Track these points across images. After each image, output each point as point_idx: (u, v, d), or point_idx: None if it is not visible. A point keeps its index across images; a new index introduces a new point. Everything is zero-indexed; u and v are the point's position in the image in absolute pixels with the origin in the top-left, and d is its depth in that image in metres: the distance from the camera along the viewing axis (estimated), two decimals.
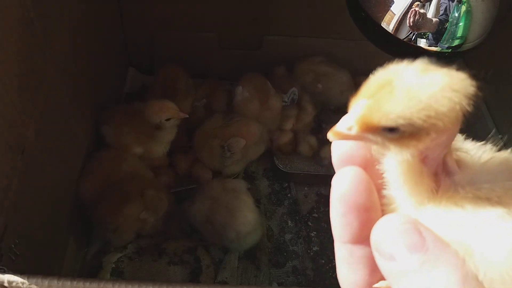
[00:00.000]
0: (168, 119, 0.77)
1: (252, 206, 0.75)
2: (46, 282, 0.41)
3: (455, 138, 0.24)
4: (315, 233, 0.84)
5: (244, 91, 0.85)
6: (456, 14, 0.53)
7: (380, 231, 0.20)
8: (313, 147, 0.90)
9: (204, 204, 0.74)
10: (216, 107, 0.90)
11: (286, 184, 0.90)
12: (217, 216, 0.73)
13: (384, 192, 0.22)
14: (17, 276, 0.41)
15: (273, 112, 0.86)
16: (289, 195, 0.89)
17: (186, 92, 0.89)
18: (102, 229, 0.72)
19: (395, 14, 0.54)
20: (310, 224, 0.85)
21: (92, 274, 0.73)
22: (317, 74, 0.95)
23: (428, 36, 0.55)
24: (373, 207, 0.22)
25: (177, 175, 0.85)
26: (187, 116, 0.79)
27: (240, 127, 0.82)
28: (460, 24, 0.54)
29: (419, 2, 0.54)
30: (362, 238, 0.21)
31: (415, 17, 0.53)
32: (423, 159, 0.22)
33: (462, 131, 0.86)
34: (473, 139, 0.86)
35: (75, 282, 0.41)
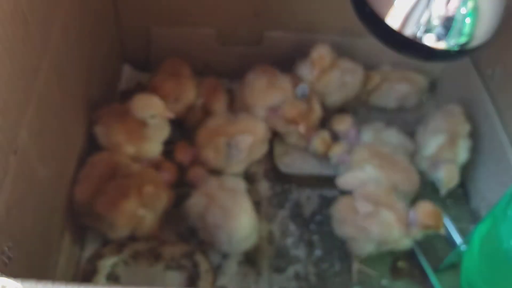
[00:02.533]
0: (153, 116, 0.76)
1: (249, 210, 0.73)
2: (40, 286, 0.40)
3: None
4: (317, 236, 0.83)
5: (253, 76, 0.86)
6: (463, 11, 0.52)
7: None
8: (326, 142, 0.88)
9: (199, 201, 0.73)
10: (216, 108, 0.89)
11: (288, 186, 0.89)
12: (211, 216, 0.72)
13: None
14: (11, 280, 0.40)
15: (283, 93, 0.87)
16: (290, 197, 0.88)
17: (190, 80, 0.89)
18: (97, 223, 0.71)
19: (400, 10, 0.53)
20: (312, 227, 0.84)
21: (87, 278, 0.72)
22: (343, 69, 0.94)
23: (434, 33, 0.54)
24: None
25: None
26: (172, 117, 0.78)
27: (247, 124, 0.82)
28: (467, 21, 0.53)
29: None
30: None
31: None
32: None
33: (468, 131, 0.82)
34: (479, 139, 0.85)
35: (69, 287, 0.41)
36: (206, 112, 0.88)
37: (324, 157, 0.90)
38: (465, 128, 0.87)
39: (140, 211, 0.71)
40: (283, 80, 0.88)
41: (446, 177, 0.85)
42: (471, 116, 0.89)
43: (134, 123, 0.77)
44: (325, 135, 0.89)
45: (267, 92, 0.86)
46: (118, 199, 0.69)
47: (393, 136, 0.89)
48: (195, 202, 0.74)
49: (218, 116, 0.83)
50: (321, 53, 0.91)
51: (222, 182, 0.75)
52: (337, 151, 0.87)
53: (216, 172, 0.82)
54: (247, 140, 0.79)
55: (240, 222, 0.71)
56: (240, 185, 0.77)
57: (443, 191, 0.86)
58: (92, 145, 0.79)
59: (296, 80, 0.91)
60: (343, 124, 0.89)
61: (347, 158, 0.85)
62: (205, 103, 0.89)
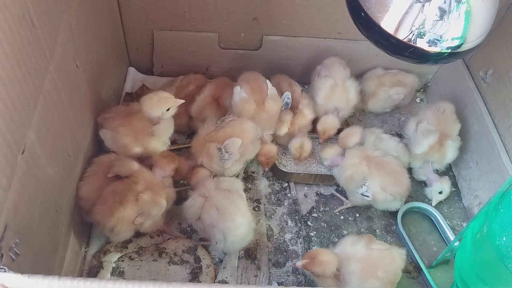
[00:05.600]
0: (168, 109, 0.78)
1: (244, 209, 0.73)
2: (46, 282, 0.41)
3: None
4: (314, 232, 0.84)
5: (242, 92, 0.85)
6: (456, 14, 0.53)
7: None
8: (304, 149, 0.89)
9: (196, 202, 0.73)
10: (226, 102, 0.90)
11: (286, 184, 0.91)
12: (207, 215, 0.72)
13: None
14: (18, 275, 0.41)
15: (270, 114, 0.86)
16: (289, 195, 0.89)
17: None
18: (100, 228, 0.72)
19: (395, 14, 0.54)
20: (310, 223, 0.85)
21: (93, 273, 0.73)
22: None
23: (427, 36, 0.54)
24: None
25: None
26: (184, 101, 0.80)
27: (234, 127, 0.82)
28: (460, 24, 0.53)
29: (419, 3, 0.54)
30: None
31: None
32: None
33: (461, 131, 0.87)
34: (471, 138, 0.86)
35: (75, 282, 0.41)
36: (218, 105, 0.90)
37: (319, 158, 0.91)
38: (455, 127, 0.88)
39: (138, 220, 0.71)
40: (272, 98, 0.86)
41: (436, 191, 0.87)
42: (463, 117, 0.90)
43: (139, 123, 0.77)
44: (304, 142, 0.88)
45: (254, 118, 0.85)
46: (115, 207, 0.69)
47: (391, 147, 0.88)
48: (192, 204, 0.74)
49: (207, 125, 0.83)
50: (325, 127, 0.90)
51: (218, 183, 0.75)
52: (330, 154, 0.87)
53: (216, 175, 0.82)
54: (236, 142, 0.79)
55: (234, 221, 0.71)
56: (236, 185, 0.76)
57: (434, 203, 0.88)
58: (99, 146, 0.79)
59: (290, 83, 0.92)
60: (330, 153, 0.88)
61: (339, 161, 0.85)
62: (217, 97, 0.91)
